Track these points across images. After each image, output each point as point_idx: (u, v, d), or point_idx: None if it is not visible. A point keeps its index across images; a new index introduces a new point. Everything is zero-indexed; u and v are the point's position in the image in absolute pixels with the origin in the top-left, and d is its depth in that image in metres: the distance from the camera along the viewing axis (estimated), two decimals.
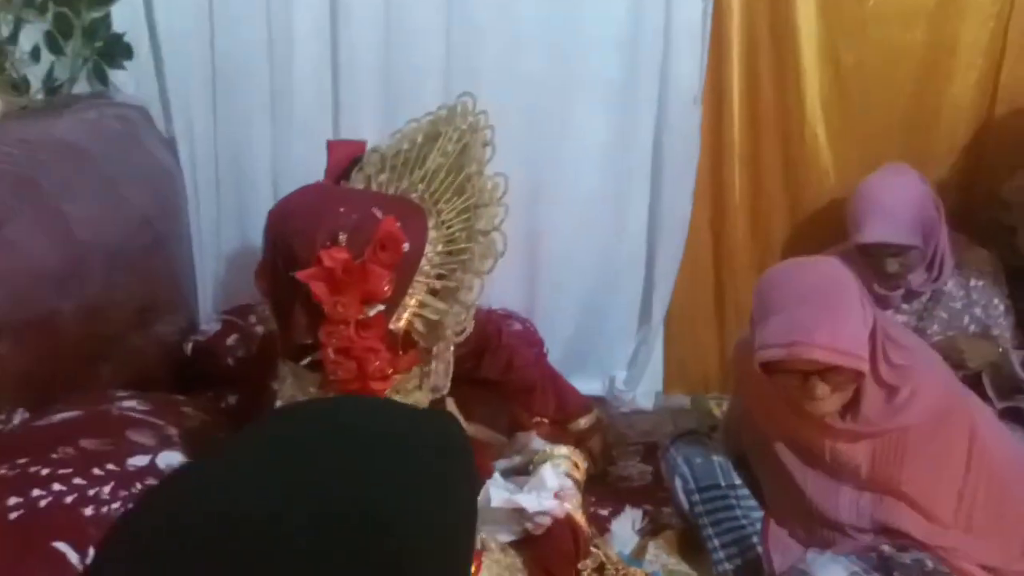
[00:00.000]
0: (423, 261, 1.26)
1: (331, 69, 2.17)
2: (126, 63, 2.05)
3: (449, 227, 1.30)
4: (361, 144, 1.63)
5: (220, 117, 2.19)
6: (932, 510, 1.48)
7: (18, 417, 1.32)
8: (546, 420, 1.90)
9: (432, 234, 1.28)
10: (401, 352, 1.24)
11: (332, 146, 1.62)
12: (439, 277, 1.27)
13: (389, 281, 1.15)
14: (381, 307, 1.17)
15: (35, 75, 1.85)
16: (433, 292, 1.27)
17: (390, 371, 1.18)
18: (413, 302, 1.23)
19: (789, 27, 2.22)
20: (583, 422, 1.94)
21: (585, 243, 2.36)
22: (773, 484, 1.68)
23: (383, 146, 1.51)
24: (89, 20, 1.96)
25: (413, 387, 1.31)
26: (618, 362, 2.49)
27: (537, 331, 2.25)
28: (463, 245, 1.27)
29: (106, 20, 2.00)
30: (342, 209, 1.21)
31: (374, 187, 1.41)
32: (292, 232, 1.22)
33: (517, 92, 2.22)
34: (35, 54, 1.84)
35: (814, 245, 2.24)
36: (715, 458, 1.77)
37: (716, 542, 1.71)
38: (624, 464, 2.16)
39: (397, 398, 1.25)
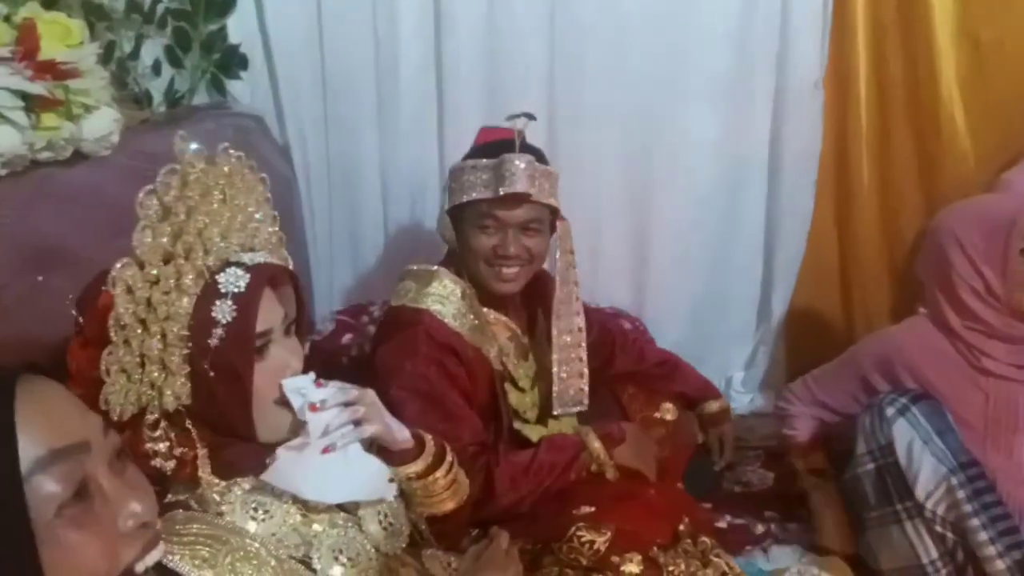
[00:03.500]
0: None
1: (435, 73, 2.16)
2: (242, 73, 2.11)
3: None
4: (510, 131, 1.62)
5: (331, 123, 2.22)
6: None
7: None
8: (668, 416, 1.83)
9: None
10: None
11: (482, 132, 1.68)
12: None
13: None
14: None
15: (157, 88, 1.92)
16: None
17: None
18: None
19: (921, 2, 2.05)
20: (715, 405, 1.93)
21: (698, 240, 2.28)
22: None
23: None
24: (206, 33, 2.02)
25: None
26: (735, 363, 2.40)
27: (647, 330, 2.17)
28: None
29: (222, 32, 2.06)
30: None
31: None
32: None
33: (624, 90, 2.16)
34: (156, 68, 1.91)
35: None
36: (955, 427, 1.54)
37: (987, 534, 1.44)
38: (743, 468, 2.07)
39: None
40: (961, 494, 1.45)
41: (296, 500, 1.05)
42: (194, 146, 0.98)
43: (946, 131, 2.12)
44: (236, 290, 0.97)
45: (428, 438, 1.23)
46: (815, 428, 1.86)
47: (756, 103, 2.18)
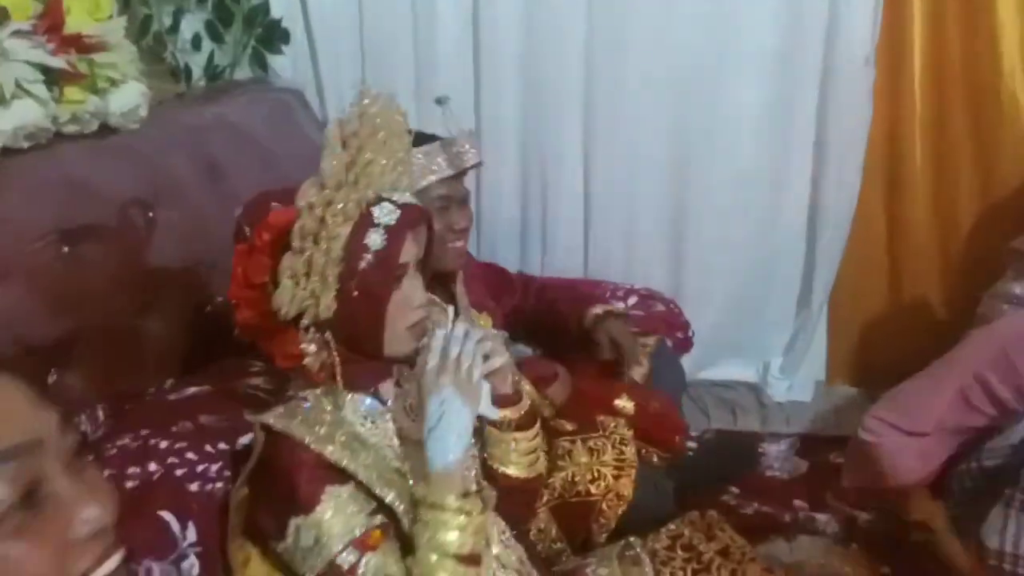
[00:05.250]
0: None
1: (472, 47, 2.15)
2: (284, 48, 2.13)
3: None
4: None
5: None
6: None
7: (168, 386, 1.42)
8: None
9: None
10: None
11: None
12: None
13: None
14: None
15: (197, 63, 1.96)
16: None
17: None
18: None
19: None
20: (596, 310, 1.80)
21: (738, 222, 2.21)
22: None
23: None
24: (248, 7, 2.04)
25: None
26: (774, 348, 2.33)
27: (682, 313, 2.12)
28: None
29: (264, 6, 2.08)
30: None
31: None
32: None
33: (666, 64, 2.10)
34: (196, 43, 1.95)
35: (1010, 224, 1.96)
36: None
37: None
38: (775, 456, 2.02)
39: None
40: None
41: (397, 422, 1.16)
42: (375, 91, 1.08)
43: (1008, 110, 1.99)
44: (388, 222, 1.07)
45: (526, 396, 1.26)
46: (920, 465, 1.57)
47: (803, 78, 2.09)
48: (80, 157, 1.37)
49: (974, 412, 1.52)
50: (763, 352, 2.33)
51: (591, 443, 1.60)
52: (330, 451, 1.03)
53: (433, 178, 1.57)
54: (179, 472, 1.06)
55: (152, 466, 1.06)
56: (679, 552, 1.42)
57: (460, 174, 1.60)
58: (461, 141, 1.59)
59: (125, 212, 1.49)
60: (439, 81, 2.17)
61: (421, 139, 1.59)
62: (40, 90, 1.24)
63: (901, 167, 2.12)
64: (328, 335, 1.08)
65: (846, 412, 2.18)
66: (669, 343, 1.99)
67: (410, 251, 1.11)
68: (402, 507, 1.07)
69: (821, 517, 1.80)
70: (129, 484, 1.03)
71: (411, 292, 1.12)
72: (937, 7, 1.99)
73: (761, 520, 1.80)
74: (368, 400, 1.14)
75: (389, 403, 1.17)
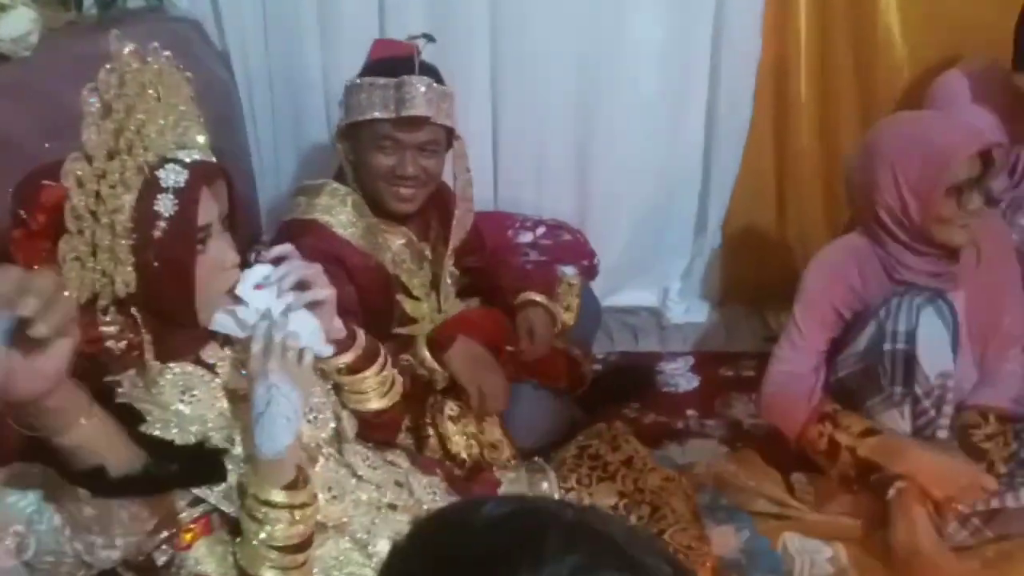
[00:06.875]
0: None
1: None
2: None
3: None
4: (407, 46, 1.62)
5: (271, 29, 2.20)
6: None
7: None
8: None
9: None
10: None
11: (377, 45, 1.66)
12: None
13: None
14: None
15: None
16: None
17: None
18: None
19: None
20: (527, 296, 1.83)
21: (640, 151, 2.28)
22: None
23: None
24: None
25: None
26: (672, 273, 2.44)
27: (588, 243, 2.22)
28: None
29: None
30: None
31: None
32: None
33: None
34: None
35: None
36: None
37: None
38: (671, 373, 2.17)
39: None
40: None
41: (224, 387, 1.12)
42: (129, 46, 1.00)
43: (881, 41, 2.12)
44: (176, 185, 1.02)
45: (361, 333, 1.27)
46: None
47: (698, 8, 2.17)
48: None
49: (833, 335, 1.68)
50: (663, 278, 2.44)
51: (448, 410, 1.61)
52: None
53: (366, 116, 1.54)
54: None
55: None
56: (586, 460, 1.52)
57: (411, 122, 1.55)
58: (416, 90, 1.53)
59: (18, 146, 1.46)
60: (342, 12, 2.15)
61: (387, 70, 1.55)
62: None
63: (788, 98, 2.23)
64: (134, 310, 1.04)
65: (736, 330, 2.34)
66: (577, 271, 2.09)
67: (210, 211, 1.06)
68: (217, 491, 1.04)
69: (710, 423, 1.96)
70: None
71: (219, 254, 1.07)
72: None
73: (658, 429, 1.94)
74: (189, 369, 1.10)
75: (216, 366, 1.13)
